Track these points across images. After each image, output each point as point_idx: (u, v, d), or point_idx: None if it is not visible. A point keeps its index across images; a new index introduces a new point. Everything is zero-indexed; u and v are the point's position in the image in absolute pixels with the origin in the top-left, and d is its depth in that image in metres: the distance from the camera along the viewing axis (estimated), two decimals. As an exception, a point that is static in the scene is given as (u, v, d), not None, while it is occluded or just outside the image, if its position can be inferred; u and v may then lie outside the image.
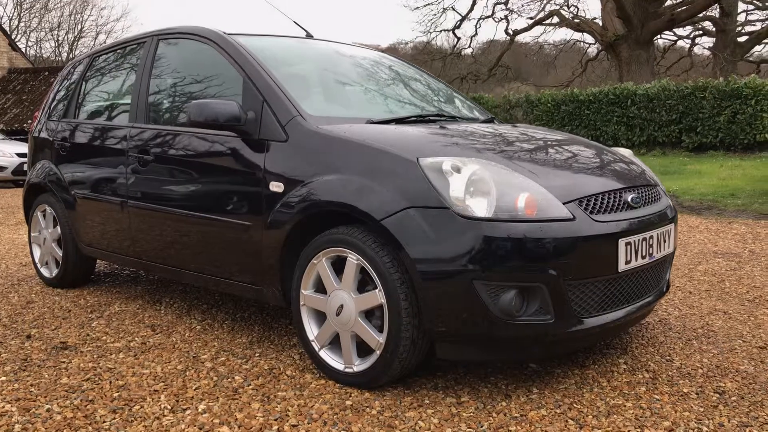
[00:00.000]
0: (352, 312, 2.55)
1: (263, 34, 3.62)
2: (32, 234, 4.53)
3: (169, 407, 2.46)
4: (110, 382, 2.71)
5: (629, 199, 2.67)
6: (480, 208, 2.33)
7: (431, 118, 3.26)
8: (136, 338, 3.29)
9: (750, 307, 3.67)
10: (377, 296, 2.46)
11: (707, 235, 5.94)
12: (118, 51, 4.08)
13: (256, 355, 3.01)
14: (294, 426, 2.28)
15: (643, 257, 2.62)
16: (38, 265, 4.49)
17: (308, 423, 2.30)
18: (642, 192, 2.82)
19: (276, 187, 2.80)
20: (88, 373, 2.81)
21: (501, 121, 3.84)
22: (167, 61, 3.64)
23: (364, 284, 2.55)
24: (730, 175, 9.64)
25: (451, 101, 3.83)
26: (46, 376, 2.80)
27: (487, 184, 2.38)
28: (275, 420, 2.33)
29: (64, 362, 2.96)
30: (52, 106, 4.45)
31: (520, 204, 2.37)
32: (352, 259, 2.53)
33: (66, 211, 4.13)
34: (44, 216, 4.39)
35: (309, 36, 3.84)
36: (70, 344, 3.22)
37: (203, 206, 3.14)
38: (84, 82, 4.25)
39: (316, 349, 2.71)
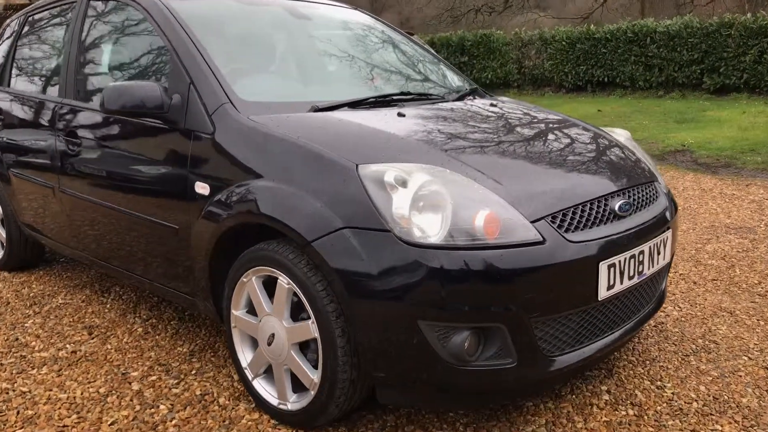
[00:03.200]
0: (284, 343, 2.18)
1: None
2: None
3: (71, 454, 2.13)
4: (18, 412, 2.39)
5: (617, 207, 2.22)
6: (428, 231, 1.91)
7: (393, 98, 2.78)
8: (68, 345, 2.96)
9: (761, 306, 3.25)
10: (310, 328, 2.08)
11: (721, 202, 5.45)
12: (53, 10, 3.59)
13: (193, 372, 2.66)
14: (206, 487, 1.95)
15: (630, 278, 2.20)
16: (-13, 246, 4.15)
17: (224, 482, 1.97)
18: (635, 193, 2.37)
19: (201, 188, 2.38)
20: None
21: (484, 93, 3.35)
22: (97, 28, 3.16)
23: (300, 310, 2.16)
24: (753, 124, 9.00)
25: (425, 72, 3.33)
26: (-51, 403, 2.48)
27: (437, 200, 1.95)
28: (187, 477, 2.00)
29: (-22, 380, 2.65)
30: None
31: (478, 223, 1.94)
32: (283, 281, 2.14)
33: (5, 189, 3.75)
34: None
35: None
36: (-6, 353, 2.90)
37: (132, 202, 2.74)
38: (18, 45, 3.78)
39: (249, 377, 2.36)
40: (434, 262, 1.87)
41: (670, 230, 2.46)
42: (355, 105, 2.62)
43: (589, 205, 2.16)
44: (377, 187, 1.96)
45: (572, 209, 2.10)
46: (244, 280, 2.28)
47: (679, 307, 3.26)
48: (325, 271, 1.99)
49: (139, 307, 3.38)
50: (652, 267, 2.32)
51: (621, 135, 2.90)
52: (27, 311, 3.38)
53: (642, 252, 2.24)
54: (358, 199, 1.97)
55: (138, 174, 2.69)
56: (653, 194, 2.49)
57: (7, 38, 3.88)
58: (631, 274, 2.20)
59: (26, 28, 3.76)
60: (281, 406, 2.24)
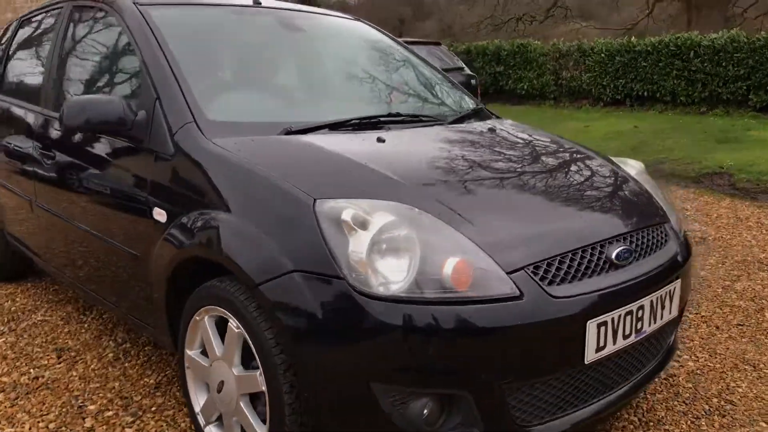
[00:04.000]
0: (234, 393, 1.97)
1: (197, 2, 2.94)
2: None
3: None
4: (-42, 448, 2.23)
5: (614, 255, 1.95)
6: (388, 279, 1.68)
7: (381, 119, 2.55)
8: (33, 369, 2.80)
9: (789, 359, 2.93)
10: (258, 380, 1.86)
11: (757, 232, 5.07)
12: (41, 16, 3.47)
13: (153, 409, 2.47)
14: None
15: (626, 337, 1.92)
16: (-25, 255, 4.05)
17: None
18: (639, 238, 2.09)
19: (159, 215, 2.19)
20: (-58, 430, 2.34)
21: (490, 113, 3.08)
22: (78, 37, 3.01)
23: (252, 357, 1.94)
24: (800, 146, 8.50)
25: (425, 91, 3.09)
26: None
27: (401, 244, 1.72)
28: None
29: (-71, 406, 2.50)
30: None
31: (446, 272, 1.70)
32: (233, 324, 1.93)
33: (-10, 197, 3.63)
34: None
35: (257, 2, 3.08)
36: (-45, 374, 2.76)
37: (100, 224, 2.57)
38: (10, 52, 3.67)
39: (202, 424, 2.15)
40: (390, 317, 1.64)
41: (680, 280, 2.17)
42: (336, 126, 2.40)
43: (580, 252, 1.89)
44: (333, 227, 1.74)
45: (559, 258, 1.84)
46: (197, 318, 2.08)
47: (696, 357, 2.95)
48: (274, 318, 1.77)
49: (117, 329, 3.21)
50: (654, 323, 2.04)
51: (633, 167, 2.61)
52: (2, 328, 3.25)
53: (642, 307, 1.96)
54: (311, 239, 1.75)
55: (105, 194, 2.52)
56: (662, 238, 2.21)
57: (2, 44, 3.77)
58: (627, 332, 1.93)
59: (18, 34, 3.64)
60: (232, 459, 2.03)
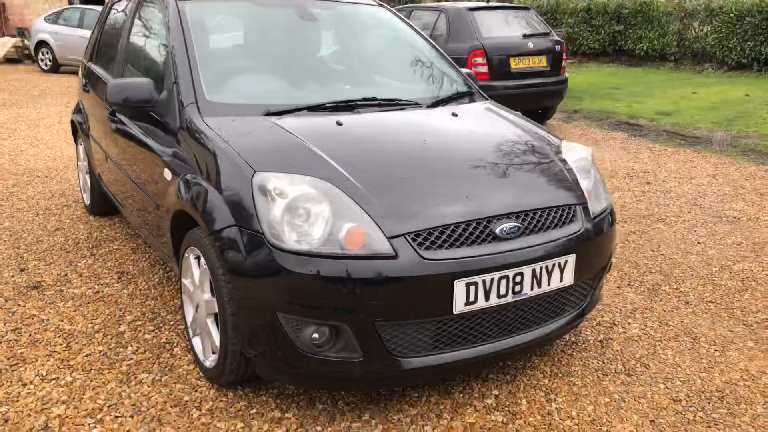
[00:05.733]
0: (204, 313, 2.62)
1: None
2: (78, 162, 5.03)
3: (43, 373, 2.74)
4: (30, 335, 3.07)
5: (498, 230, 2.37)
6: (295, 238, 2.23)
7: (357, 102, 3.03)
8: (97, 285, 3.63)
9: (737, 335, 3.15)
10: (215, 304, 2.49)
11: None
12: (119, 2, 4.22)
13: (172, 323, 3.20)
14: (117, 417, 2.46)
15: (501, 296, 2.35)
16: (81, 191, 5.01)
17: (132, 414, 2.47)
18: (533, 217, 2.48)
19: (167, 174, 2.86)
20: (23, 322, 3.18)
21: (479, 97, 3.46)
22: (140, 23, 3.72)
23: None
24: None
25: (415, 73, 3.52)
26: (-12, 320, 3.22)
27: (310, 211, 2.25)
28: (109, 406, 2.52)
29: (20, 305, 3.37)
30: (90, 45, 4.77)
31: (342, 235, 2.22)
32: (203, 261, 2.56)
33: (87, 145, 4.51)
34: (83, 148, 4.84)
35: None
36: (44, 284, 3.64)
37: (138, 176, 3.30)
38: (102, 28, 4.48)
39: (190, 335, 2.83)
40: (293, 266, 2.19)
41: (574, 255, 2.53)
42: (315, 109, 2.92)
43: (463, 225, 2.33)
44: (261, 194, 2.30)
45: (441, 229, 2.30)
46: (186, 255, 2.73)
47: (645, 326, 3.25)
48: (222, 259, 2.38)
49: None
50: (539, 288, 2.44)
51: (578, 153, 2.92)
52: (86, 252, 4.13)
53: (520, 274, 2.37)
54: (247, 202, 2.32)
55: (141, 154, 3.22)
56: (564, 218, 2.57)
57: (97, 23, 4.59)
58: (503, 292, 2.35)
59: (107, 15, 4.43)
60: (204, 362, 2.69)
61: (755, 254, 4.23)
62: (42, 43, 15.97)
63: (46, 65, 16.02)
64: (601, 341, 3.09)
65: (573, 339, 3.10)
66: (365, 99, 3.07)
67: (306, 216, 2.25)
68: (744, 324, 3.29)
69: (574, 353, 2.98)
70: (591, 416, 2.51)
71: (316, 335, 2.25)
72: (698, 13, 14.40)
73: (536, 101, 8.35)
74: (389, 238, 2.23)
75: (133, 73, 3.63)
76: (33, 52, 16.49)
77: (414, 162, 2.58)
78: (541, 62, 8.11)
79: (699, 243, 4.43)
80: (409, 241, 2.24)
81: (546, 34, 8.40)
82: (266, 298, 2.25)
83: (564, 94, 8.60)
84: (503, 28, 8.23)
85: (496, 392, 2.66)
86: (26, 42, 17.67)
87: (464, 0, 10.38)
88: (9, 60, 18.30)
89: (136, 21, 3.76)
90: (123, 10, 4.16)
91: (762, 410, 2.57)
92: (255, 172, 2.37)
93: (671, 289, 3.69)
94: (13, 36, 19.71)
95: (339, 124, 2.78)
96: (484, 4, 8.57)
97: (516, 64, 7.92)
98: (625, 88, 12.06)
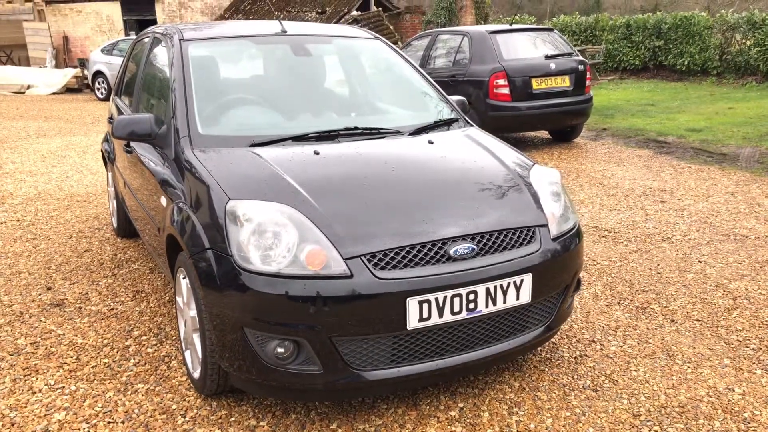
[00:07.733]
0: (191, 328, 2.86)
1: (228, 35, 3.81)
2: (108, 188, 5.40)
3: (51, 383, 3.03)
4: (45, 348, 3.37)
5: (452, 251, 2.53)
6: (259, 260, 2.44)
7: (340, 132, 3.25)
8: (112, 303, 3.94)
9: (720, 355, 3.20)
10: (197, 321, 2.73)
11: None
12: (144, 39, 4.57)
13: (173, 338, 3.46)
14: (110, 423, 2.71)
15: (455, 312, 2.51)
16: (111, 214, 5.38)
17: (123, 420, 2.71)
18: (489, 239, 2.63)
19: (163, 201, 3.13)
20: (42, 336, 3.50)
21: (463, 124, 3.63)
22: (152, 60, 4.04)
23: (199, 305, 2.82)
24: None
25: (398, 103, 3.72)
26: (5, 335, 3.54)
27: (274, 236, 2.46)
28: (105, 413, 2.77)
29: (42, 320, 3.70)
30: (117, 80, 5.15)
31: (303, 256, 2.43)
32: (188, 282, 2.80)
33: (112, 171, 4.87)
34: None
35: (283, 31, 3.87)
36: (66, 301, 3.96)
37: (146, 203, 3.59)
38: (126, 65, 4.85)
39: (183, 349, 3.08)
40: (257, 285, 2.41)
41: (530, 274, 2.66)
42: (299, 139, 3.15)
43: (418, 247, 2.51)
44: (231, 220, 2.53)
45: (396, 250, 2.48)
46: (178, 276, 2.99)
47: (623, 343, 3.33)
48: (200, 280, 2.61)
49: (181, 280, 4.28)
50: (494, 306, 2.59)
51: (545, 176, 3.06)
52: (107, 272, 4.46)
53: (474, 292, 2.53)
54: (220, 227, 2.56)
55: (149, 182, 3.51)
56: (522, 239, 2.71)
57: (123, 60, 4.97)
58: (457, 309, 2.51)
59: (130, 53, 4.80)
60: (193, 374, 2.93)
61: (754, 273, 4.23)
62: (98, 73, 16.91)
63: (101, 93, 16.92)
64: (576, 357, 3.19)
65: (548, 355, 3.21)
66: (347, 129, 3.29)
67: (271, 239, 2.47)
68: (725, 342, 3.33)
69: (546, 369, 3.09)
70: (548, 429, 2.63)
71: (280, 349, 2.45)
72: (740, 25, 14.16)
73: (560, 121, 8.43)
74: (345, 260, 2.42)
75: (145, 108, 3.95)
76: (90, 82, 17.45)
77: (377, 188, 2.78)
78: (564, 82, 8.20)
79: (700, 262, 4.45)
80: (364, 262, 2.43)
81: (569, 54, 8.48)
82: (235, 315, 2.47)
83: (589, 113, 8.64)
84: (525, 49, 8.36)
85: (461, 405, 2.80)
86: (85, 72, 18.69)
87: (492, 24, 10.54)
88: (70, 89, 19.41)
89: (150, 59, 4.08)
90: (140, 48, 4.51)
91: (719, 425, 2.64)
92: (229, 199, 2.60)
93: (660, 307, 3.75)
94: (75, 67, 20.89)
95: (316, 153, 3.00)
96: (507, 27, 8.71)
97: (538, 85, 8.03)
98: (661, 104, 11.95)
